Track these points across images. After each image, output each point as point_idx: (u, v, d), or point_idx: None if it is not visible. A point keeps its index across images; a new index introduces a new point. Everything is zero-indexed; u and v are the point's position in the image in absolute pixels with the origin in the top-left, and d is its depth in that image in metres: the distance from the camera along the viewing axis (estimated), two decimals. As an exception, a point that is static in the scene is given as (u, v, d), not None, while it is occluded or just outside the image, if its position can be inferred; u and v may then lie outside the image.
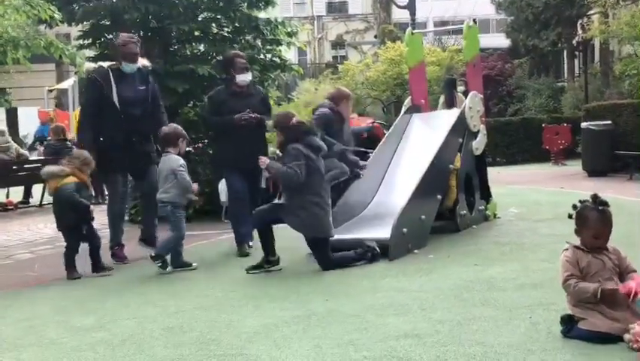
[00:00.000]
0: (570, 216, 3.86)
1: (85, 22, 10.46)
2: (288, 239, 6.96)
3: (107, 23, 10.36)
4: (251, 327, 4.34)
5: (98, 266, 6.46)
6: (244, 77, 7.07)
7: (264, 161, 6.18)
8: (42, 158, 14.02)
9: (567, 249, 3.84)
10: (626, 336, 3.50)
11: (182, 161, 6.42)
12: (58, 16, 9.65)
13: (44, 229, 10.05)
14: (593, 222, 3.77)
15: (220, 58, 8.13)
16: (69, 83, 24.97)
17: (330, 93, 7.84)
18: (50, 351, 4.11)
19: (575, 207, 3.86)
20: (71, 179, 6.26)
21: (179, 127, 6.76)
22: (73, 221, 6.35)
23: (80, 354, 4.03)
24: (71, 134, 14.32)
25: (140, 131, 6.92)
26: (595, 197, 3.85)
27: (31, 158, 14.58)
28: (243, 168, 6.91)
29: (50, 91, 26.99)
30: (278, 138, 6.33)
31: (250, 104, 7.02)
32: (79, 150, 6.63)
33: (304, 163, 5.92)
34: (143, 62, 7.08)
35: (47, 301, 5.42)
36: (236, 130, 6.85)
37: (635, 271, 3.78)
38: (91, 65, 6.97)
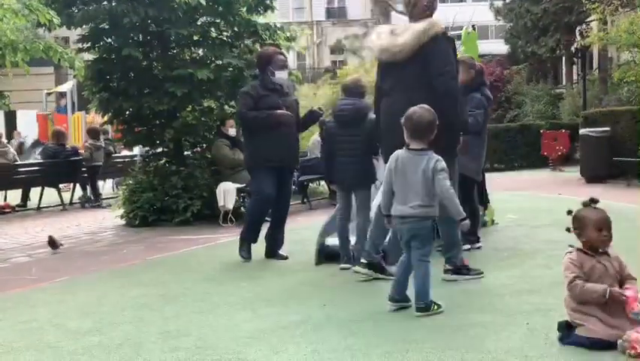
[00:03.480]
0: (569, 230, 3.85)
1: (84, 26, 10.46)
2: (285, 244, 6.98)
3: (106, 27, 10.38)
4: (248, 332, 4.33)
5: None
6: (282, 75, 6.92)
7: None
8: (40, 161, 14.05)
9: (571, 252, 3.83)
10: (622, 343, 3.49)
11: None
12: (57, 20, 9.63)
13: (42, 232, 10.02)
14: (591, 216, 3.78)
15: (258, 53, 7.78)
16: (68, 86, 24.99)
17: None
18: (47, 355, 4.10)
19: (569, 212, 3.86)
20: None
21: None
22: None
23: (77, 358, 4.02)
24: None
25: None
26: (586, 200, 3.87)
27: (29, 161, 14.60)
28: (277, 166, 6.71)
29: (49, 94, 26.99)
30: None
31: (287, 102, 6.83)
32: None
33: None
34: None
35: (44, 305, 5.41)
36: (272, 127, 6.62)
37: (634, 278, 3.78)
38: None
